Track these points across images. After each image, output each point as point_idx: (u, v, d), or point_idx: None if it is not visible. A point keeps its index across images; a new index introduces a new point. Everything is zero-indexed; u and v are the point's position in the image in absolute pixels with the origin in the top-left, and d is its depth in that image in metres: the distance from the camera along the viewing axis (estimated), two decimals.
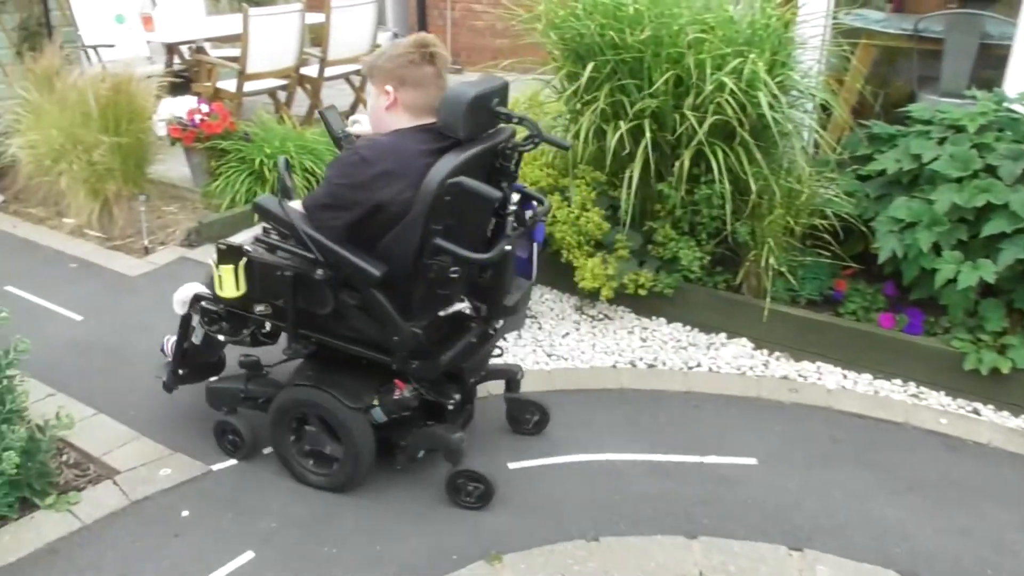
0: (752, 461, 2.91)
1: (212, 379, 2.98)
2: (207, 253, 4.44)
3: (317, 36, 6.32)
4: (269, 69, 5.75)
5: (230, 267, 2.55)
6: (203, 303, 2.77)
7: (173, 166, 5.17)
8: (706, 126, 3.29)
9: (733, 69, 3.28)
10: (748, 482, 2.81)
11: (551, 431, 3.04)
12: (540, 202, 2.68)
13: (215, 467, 2.84)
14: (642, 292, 3.59)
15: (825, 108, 3.73)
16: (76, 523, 2.57)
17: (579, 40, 3.64)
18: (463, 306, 2.62)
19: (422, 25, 9.25)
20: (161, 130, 4.81)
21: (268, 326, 2.82)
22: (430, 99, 2.39)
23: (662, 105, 3.44)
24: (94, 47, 5.89)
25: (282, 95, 6.19)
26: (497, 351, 2.96)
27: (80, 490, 2.71)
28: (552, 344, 3.64)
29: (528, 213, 2.63)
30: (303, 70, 6.09)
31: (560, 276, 3.88)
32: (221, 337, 2.81)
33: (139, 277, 4.29)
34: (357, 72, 6.44)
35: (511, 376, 2.99)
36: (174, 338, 2.99)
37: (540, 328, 3.77)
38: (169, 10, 6.27)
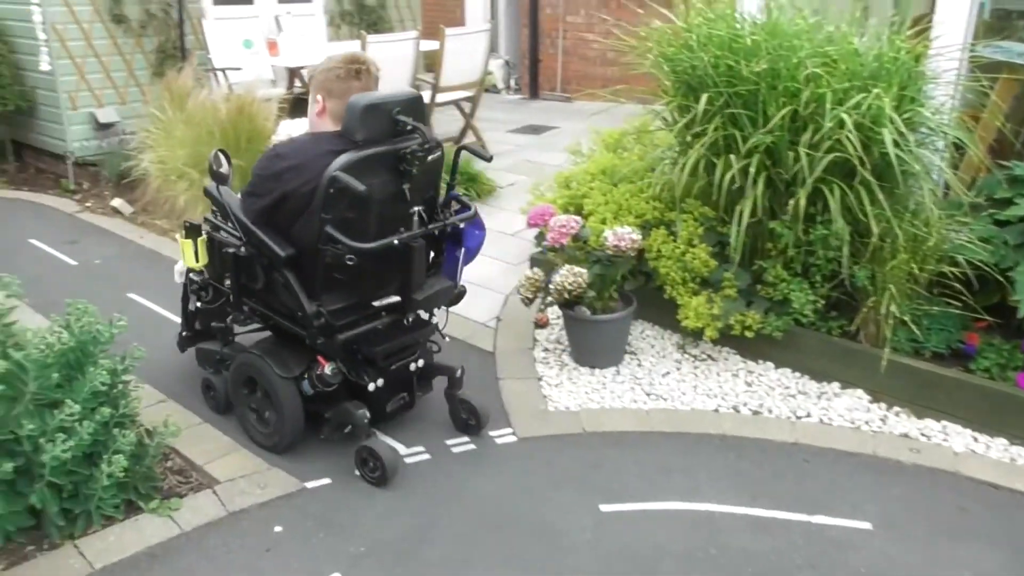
0: (866, 526, 2.71)
1: (203, 343, 3.38)
2: None
3: (431, 62, 6.48)
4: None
5: (189, 241, 3.06)
6: (191, 275, 3.24)
7: None
8: (824, 164, 3.16)
9: (856, 105, 3.15)
10: (862, 549, 2.61)
11: (647, 474, 2.96)
12: (468, 208, 3.00)
13: (309, 484, 2.90)
14: (749, 334, 3.47)
15: (959, 147, 3.52)
16: (176, 529, 2.66)
17: (691, 72, 3.58)
18: (395, 299, 2.88)
19: (533, 53, 9.37)
20: None
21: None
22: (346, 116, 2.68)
23: (777, 140, 3.33)
24: (223, 70, 6.24)
25: None
26: (435, 347, 3.20)
27: (182, 497, 2.81)
28: (652, 383, 3.55)
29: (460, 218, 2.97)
30: None
31: (662, 312, 3.79)
32: (199, 304, 3.26)
33: None
34: (468, 99, 6.57)
35: (451, 373, 3.19)
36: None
37: (640, 365, 3.69)
38: (293, 36, 6.57)
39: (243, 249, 2.85)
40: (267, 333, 3.16)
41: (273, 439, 3.06)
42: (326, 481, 2.91)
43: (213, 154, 2.95)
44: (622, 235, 3.50)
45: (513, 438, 3.18)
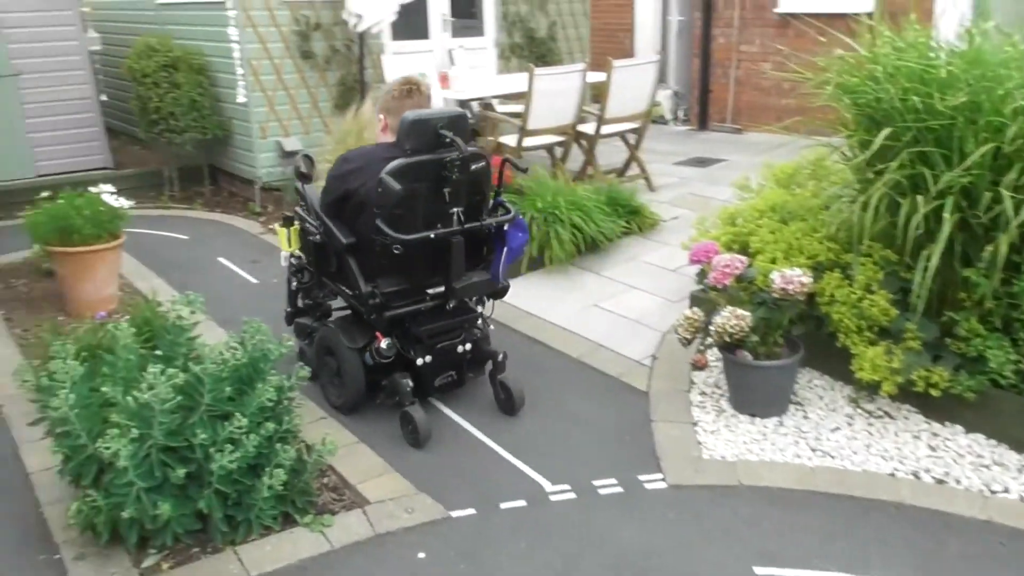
0: None
1: (300, 317, 3.89)
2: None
3: (598, 93, 6.50)
4: (548, 126, 6.01)
5: (284, 229, 3.68)
6: (292, 259, 3.76)
7: None
8: None
9: None
10: None
11: (808, 538, 2.75)
12: (507, 210, 3.44)
13: (454, 513, 2.92)
14: (935, 392, 3.17)
15: None
16: (326, 545, 2.76)
17: (875, 105, 3.35)
18: (440, 290, 3.35)
19: (704, 83, 9.19)
20: None
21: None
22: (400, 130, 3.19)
23: (976, 180, 3.05)
24: None
25: (559, 151, 6.43)
26: (477, 332, 3.56)
27: (334, 514, 2.92)
28: (818, 437, 3.32)
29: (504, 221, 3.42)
30: (580, 127, 6.29)
31: (834, 362, 3.55)
32: (295, 284, 3.81)
33: None
34: (634, 130, 6.53)
35: (495, 358, 3.58)
36: None
37: (806, 417, 3.47)
38: (464, 69, 6.80)
39: (319, 237, 3.43)
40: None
41: (341, 400, 3.57)
42: (471, 512, 2.93)
43: (300, 156, 3.60)
44: (790, 277, 3.31)
45: (663, 484, 3.06)
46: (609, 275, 4.99)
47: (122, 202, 4.62)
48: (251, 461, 2.70)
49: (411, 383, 3.34)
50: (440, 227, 3.19)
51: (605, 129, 6.30)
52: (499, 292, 3.58)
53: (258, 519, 2.77)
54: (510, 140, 6.09)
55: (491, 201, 3.47)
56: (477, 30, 8.11)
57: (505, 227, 3.43)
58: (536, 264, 5.00)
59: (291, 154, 6.73)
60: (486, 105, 6.89)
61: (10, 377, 3.43)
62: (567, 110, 6.05)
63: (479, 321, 3.58)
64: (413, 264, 3.24)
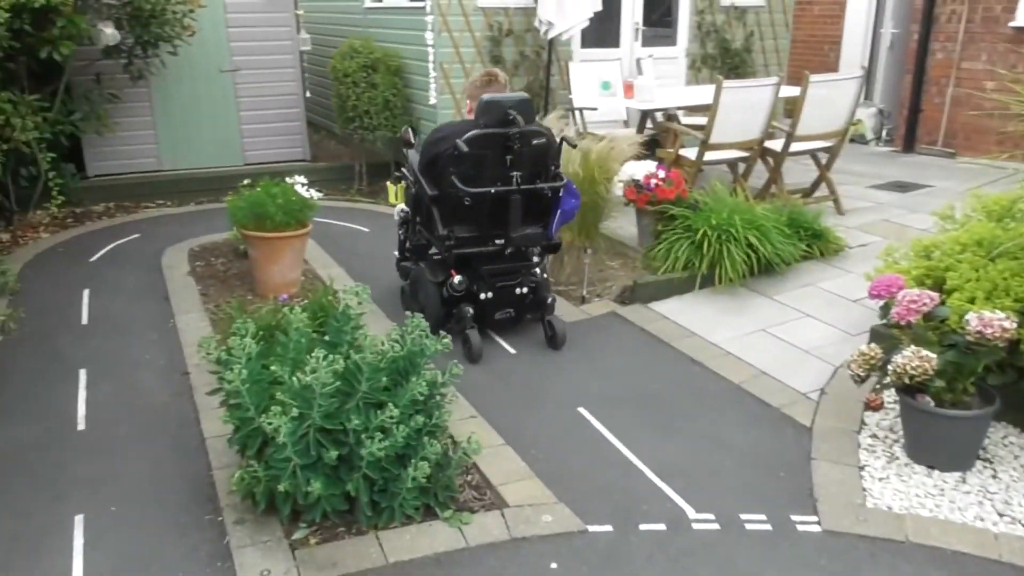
0: None
1: (404, 261, 4.79)
2: (637, 312, 4.65)
3: (792, 109, 6.23)
4: (732, 140, 5.82)
5: (392, 186, 5.18)
6: (401, 213, 4.73)
7: (623, 224, 5.53)
8: None
9: None
10: None
11: None
12: (561, 179, 4.21)
13: (591, 528, 2.90)
14: None
15: None
16: (462, 542, 2.82)
17: None
18: (500, 243, 4.19)
19: (914, 101, 8.57)
20: (619, 190, 5.16)
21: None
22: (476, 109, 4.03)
23: None
24: (580, 109, 6.61)
25: (742, 167, 6.21)
26: (535, 280, 4.36)
27: (473, 512, 2.98)
28: (1008, 501, 3.00)
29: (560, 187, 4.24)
30: (767, 143, 6.05)
31: None
32: (401, 233, 4.77)
33: (573, 324, 4.61)
34: (826, 149, 6.19)
35: (544, 300, 4.36)
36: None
37: (995, 477, 3.14)
38: (650, 79, 6.74)
39: (414, 190, 4.37)
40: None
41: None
42: (607, 528, 2.89)
43: (404, 128, 4.59)
44: (990, 320, 3.01)
45: (817, 528, 2.88)
46: (782, 300, 4.76)
47: (312, 193, 4.98)
48: (399, 451, 2.82)
49: (472, 311, 4.20)
50: (500, 186, 4.00)
51: (795, 146, 6.02)
52: (551, 247, 4.44)
53: (401, 508, 2.88)
54: (690, 153, 5.96)
55: (552, 170, 4.21)
56: (669, 39, 8.02)
57: (560, 192, 4.22)
58: (705, 282, 4.86)
59: None
60: (670, 116, 6.79)
61: (197, 347, 3.78)
62: (754, 125, 5.84)
63: (536, 270, 4.37)
64: (480, 215, 4.09)
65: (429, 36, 6.76)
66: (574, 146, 4.50)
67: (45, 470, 3.21)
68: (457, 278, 4.15)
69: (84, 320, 4.66)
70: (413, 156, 4.42)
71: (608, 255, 5.43)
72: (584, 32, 7.10)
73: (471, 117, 4.10)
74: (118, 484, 3.13)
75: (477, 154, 3.88)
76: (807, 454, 3.31)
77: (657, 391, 3.87)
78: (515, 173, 4.02)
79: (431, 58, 6.83)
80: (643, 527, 2.89)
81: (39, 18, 5.50)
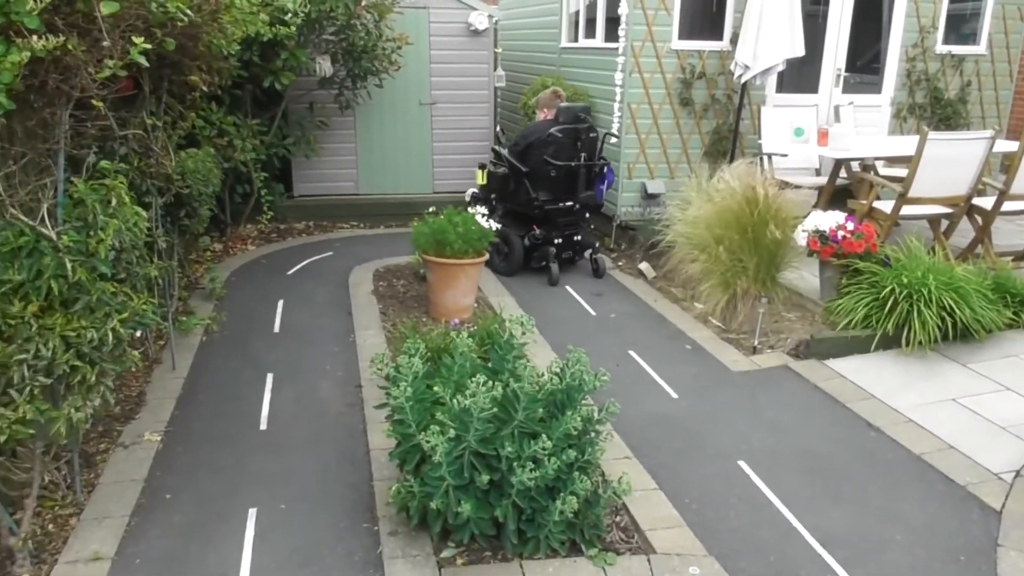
0: None
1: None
2: (811, 368, 4.45)
3: (1010, 164, 5.75)
4: (935, 195, 5.45)
5: (480, 171, 6.40)
6: (473, 193, 6.57)
7: (803, 275, 5.31)
8: None
9: None
10: None
11: None
12: (605, 160, 6.37)
13: None
14: None
15: None
16: None
17: None
18: (570, 204, 6.21)
19: None
20: (801, 240, 4.98)
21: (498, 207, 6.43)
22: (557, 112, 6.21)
23: None
24: (769, 155, 6.44)
25: (944, 223, 5.79)
26: (584, 230, 6.50)
27: (619, 554, 2.96)
28: None
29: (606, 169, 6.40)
30: (976, 200, 5.60)
31: None
32: (476, 208, 5.88)
33: (740, 374, 4.49)
34: None
35: (593, 245, 6.41)
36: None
37: None
38: (847, 127, 6.46)
39: (504, 171, 6.19)
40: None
41: (506, 267, 6.21)
42: None
43: (498, 128, 6.91)
44: None
45: None
46: (978, 369, 4.37)
47: (491, 224, 5.17)
48: (549, 483, 2.86)
49: (553, 249, 6.14)
50: (573, 163, 6.11)
51: (1008, 205, 5.54)
52: (597, 207, 6.51)
53: (547, 540, 2.91)
54: (885, 206, 5.64)
55: (599, 154, 6.36)
56: (873, 87, 7.65)
57: (604, 169, 6.35)
58: (890, 343, 4.56)
59: (653, 196, 6.96)
60: (866, 166, 6.46)
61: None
62: (961, 180, 5.44)
63: (585, 223, 6.47)
64: (557, 184, 6.08)
65: (619, 76, 6.86)
66: (616, 137, 6.81)
67: (228, 463, 3.52)
68: (539, 230, 6.15)
69: (276, 328, 5.08)
70: (501, 150, 6.33)
71: (785, 306, 5.23)
72: (781, 77, 6.94)
73: (545, 117, 6.29)
74: (289, 484, 3.37)
75: (560, 141, 5.98)
76: (993, 540, 3.01)
77: (826, 452, 3.67)
78: (582, 154, 6.13)
79: (619, 98, 6.92)
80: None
81: (266, 50, 6.14)
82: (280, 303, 5.48)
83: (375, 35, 6.92)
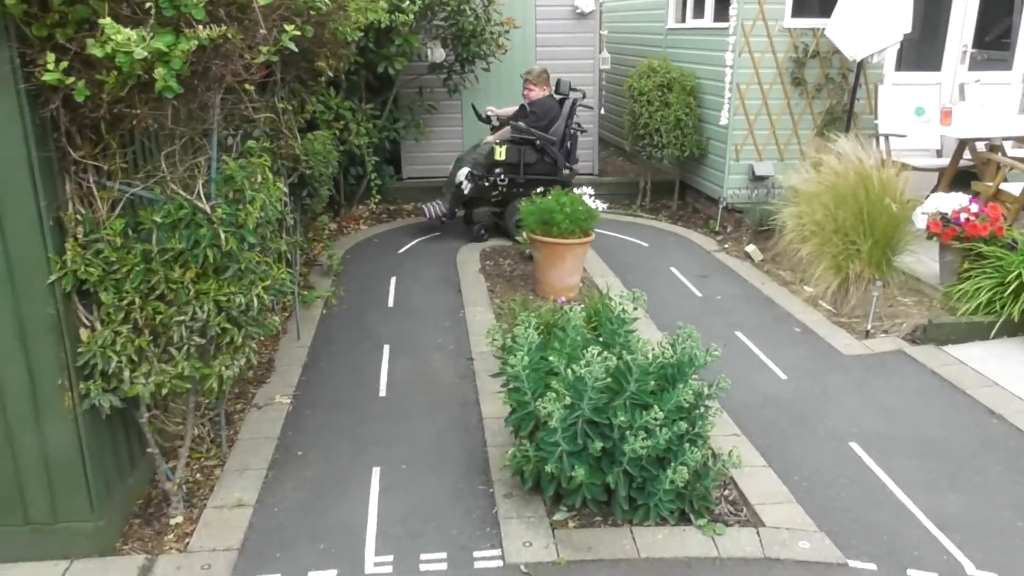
0: None
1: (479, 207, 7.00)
2: (928, 353, 4.39)
3: None
4: None
5: (499, 147, 6.46)
6: (472, 172, 6.46)
7: (921, 259, 5.20)
8: None
9: None
10: None
11: None
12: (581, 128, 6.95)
13: (852, 563, 2.84)
14: None
15: None
16: (713, 551, 2.91)
17: None
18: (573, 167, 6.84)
19: None
20: (920, 222, 4.88)
21: (503, 180, 6.57)
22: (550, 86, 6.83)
23: None
24: (886, 135, 6.30)
25: None
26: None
27: (728, 525, 3.04)
28: None
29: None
30: None
31: None
32: (470, 185, 6.47)
33: (851, 357, 4.47)
34: None
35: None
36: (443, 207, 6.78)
37: None
38: (974, 106, 6.26)
39: (532, 145, 6.50)
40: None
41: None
42: (871, 566, 2.82)
43: (489, 109, 6.99)
44: None
45: None
46: None
47: (598, 204, 5.28)
48: (660, 453, 2.97)
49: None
50: (581, 130, 6.90)
51: None
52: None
53: (656, 508, 3.03)
54: (1014, 188, 5.45)
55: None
56: (1003, 63, 7.35)
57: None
58: (1015, 330, 4.45)
59: (761, 178, 6.91)
60: (994, 147, 6.24)
61: (482, 336, 4.22)
62: None
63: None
64: (568, 152, 6.67)
65: (728, 57, 6.82)
66: (589, 108, 7.34)
67: (351, 425, 3.77)
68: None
69: (390, 303, 5.34)
70: (522, 124, 6.52)
71: (900, 290, 5.14)
72: (900, 54, 6.75)
73: (543, 93, 6.64)
74: (408, 446, 3.59)
75: (566, 113, 6.64)
76: None
77: (943, 438, 3.64)
78: (576, 122, 6.74)
79: (727, 79, 6.88)
80: (912, 572, 2.77)
81: (381, 37, 6.40)
82: (393, 280, 5.75)
83: (483, 19, 7.10)
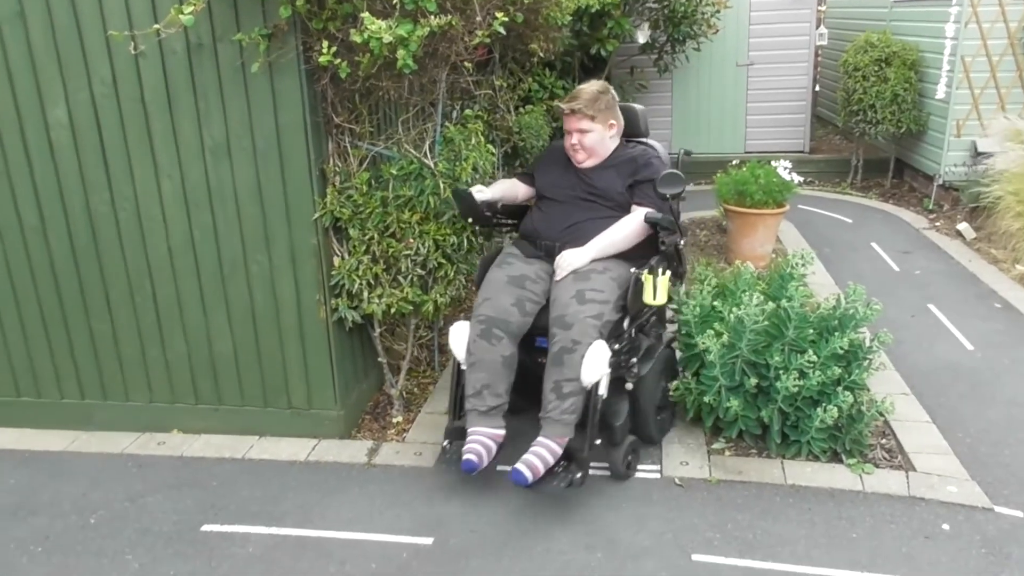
0: None
1: None
2: None
3: None
4: None
5: (655, 277, 3.38)
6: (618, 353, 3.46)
7: None
8: None
9: None
10: None
11: None
12: None
13: (998, 508, 3.02)
14: None
15: None
16: (859, 486, 3.20)
17: None
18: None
19: None
20: None
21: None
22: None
23: None
24: None
25: None
26: None
27: (877, 467, 3.32)
28: None
29: None
30: None
31: None
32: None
33: None
34: None
35: None
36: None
37: None
38: None
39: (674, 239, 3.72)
40: None
41: None
42: (1017, 514, 2.99)
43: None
44: None
45: None
46: None
47: (794, 176, 5.52)
48: (813, 394, 3.31)
49: None
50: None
51: None
52: None
53: (808, 445, 3.37)
54: None
55: None
56: None
57: None
58: None
59: (984, 155, 6.72)
60: None
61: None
62: None
63: None
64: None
65: (950, 28, 6.69)
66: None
67: None
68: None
69: None
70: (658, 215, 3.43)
71: None
72: None
73: (614, 138, 3.75)
74: None
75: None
76: None
77: None
78: None
79: (948, 51, 6.74)
80: None
81: (594, 20, 6.96)
82: None
83: (695, 0, 7.45)
